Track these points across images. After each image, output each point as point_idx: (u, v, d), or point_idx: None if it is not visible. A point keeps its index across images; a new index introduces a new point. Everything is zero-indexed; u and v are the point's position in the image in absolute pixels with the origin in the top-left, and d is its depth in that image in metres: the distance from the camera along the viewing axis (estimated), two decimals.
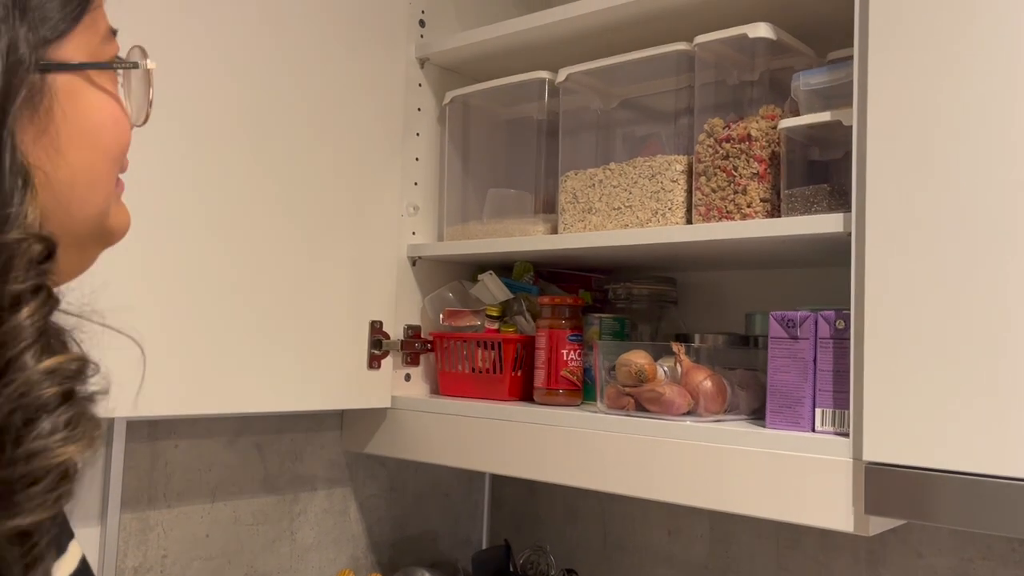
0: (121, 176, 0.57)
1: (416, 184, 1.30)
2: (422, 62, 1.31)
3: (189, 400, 1.00)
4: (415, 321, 1.29)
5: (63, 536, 0.58)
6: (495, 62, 1.30)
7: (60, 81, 0.50)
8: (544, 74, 1.20)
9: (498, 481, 1.57)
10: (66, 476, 0.45)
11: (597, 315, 1.21)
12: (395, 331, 1.25)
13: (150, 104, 0.58)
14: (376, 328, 1.22)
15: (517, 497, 1.54)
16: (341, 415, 1.33)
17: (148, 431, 1.11)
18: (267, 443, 1.25)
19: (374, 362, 1.22)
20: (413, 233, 1.29)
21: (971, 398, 0.75)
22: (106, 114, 0.54)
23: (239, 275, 1.04)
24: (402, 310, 1.27)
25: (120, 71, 0.56)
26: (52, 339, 0.50)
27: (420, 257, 1.29)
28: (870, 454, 0.81)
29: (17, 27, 0.47)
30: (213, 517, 1.18)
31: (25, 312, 0.46)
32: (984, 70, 0.77)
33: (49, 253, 0.48)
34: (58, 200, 0.51)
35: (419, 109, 1.31)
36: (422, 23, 1.31)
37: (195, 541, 1.16)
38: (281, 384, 1.10)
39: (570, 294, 1.28)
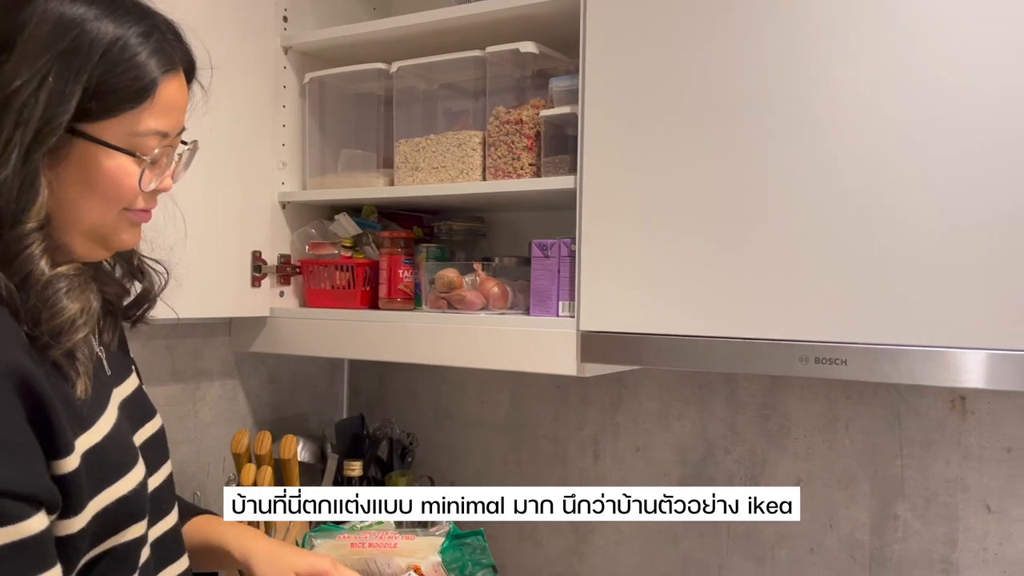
0: (150, 210, 0.94)
1: (284, 145, 1.69)
2: (286, 49, 1.68)
3: None
4: (286, 251, 1.69)
5: (128, 368, 1.00)
6: (344, 51, 1.69)
7: (79, 143, 0.83)
8: (381, 65, 1.60)
9: (355, 372, 2.02)
10: (74, 319, 0.82)
11: (425, 244, 1.66)
12: (271, 259, 1.65)
13: (171, 176, 0.96)
14: (256, 256, 1.62)
15: (370, 385, 2.00)
16: (229, 323, 1.73)
17: None
18: (175, 345, 1.63)
19: (255, 282, 1.62)
20: (283, 183, 1.69)
21: (628, 293, 1.26)
22: (106, 173, 0.85)
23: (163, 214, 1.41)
24: (277, 242, 1.67)
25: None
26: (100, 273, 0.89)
27: (289, 202, 1.69)
28: (584, 326, 1.30)
29: (70, 104, 0.81)
30: None
31: (30, 240, 0.81)
32: (646, 92, 1.25)
33: (40, 226, 0.82)
34: (61, 210, 0.85)
35: (284, 86, 1.69)
36: (285, 19, 1.68)
37: None
38: (186, 297, 1.49)
39: (406, 230, 1.72)
